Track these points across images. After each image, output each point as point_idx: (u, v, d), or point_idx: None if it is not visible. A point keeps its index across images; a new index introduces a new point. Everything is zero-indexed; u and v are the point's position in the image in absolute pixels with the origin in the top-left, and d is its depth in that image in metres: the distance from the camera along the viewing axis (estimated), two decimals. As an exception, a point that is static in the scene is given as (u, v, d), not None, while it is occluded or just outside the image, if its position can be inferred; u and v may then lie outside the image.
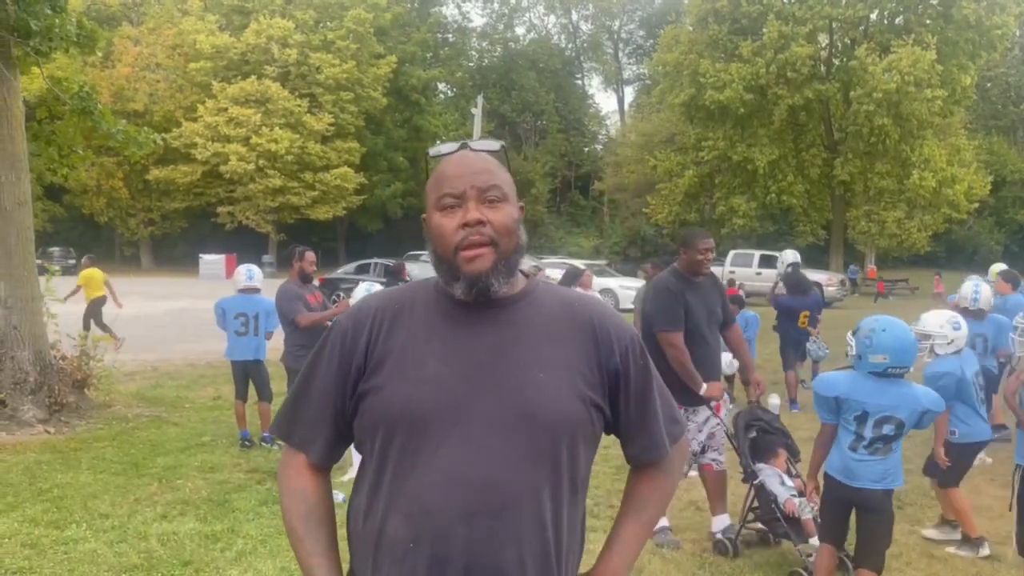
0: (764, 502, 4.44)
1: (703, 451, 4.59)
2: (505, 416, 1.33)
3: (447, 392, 1.34)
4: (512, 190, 1.43)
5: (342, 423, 1.45)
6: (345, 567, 1.46)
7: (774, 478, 4.44)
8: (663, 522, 4.52)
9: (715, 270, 20.66)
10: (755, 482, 4.45)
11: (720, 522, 4.59)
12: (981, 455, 6.51)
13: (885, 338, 3.34)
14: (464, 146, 1.45)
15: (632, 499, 1.57)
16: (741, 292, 12.16)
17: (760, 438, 4.68)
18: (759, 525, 4.55)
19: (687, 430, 1.64)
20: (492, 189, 1.37)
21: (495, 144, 1.49)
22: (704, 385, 4.35)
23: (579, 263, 19.46)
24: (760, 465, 4.53)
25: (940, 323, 4.42)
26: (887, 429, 3.33)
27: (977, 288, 6.53)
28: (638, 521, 1.55)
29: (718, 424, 4.64)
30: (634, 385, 1.46)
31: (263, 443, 6.59)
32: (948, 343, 4.40)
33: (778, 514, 4.31)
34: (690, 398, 4.34)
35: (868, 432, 3.34)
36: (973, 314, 6.45)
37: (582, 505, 1.45)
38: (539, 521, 1.33)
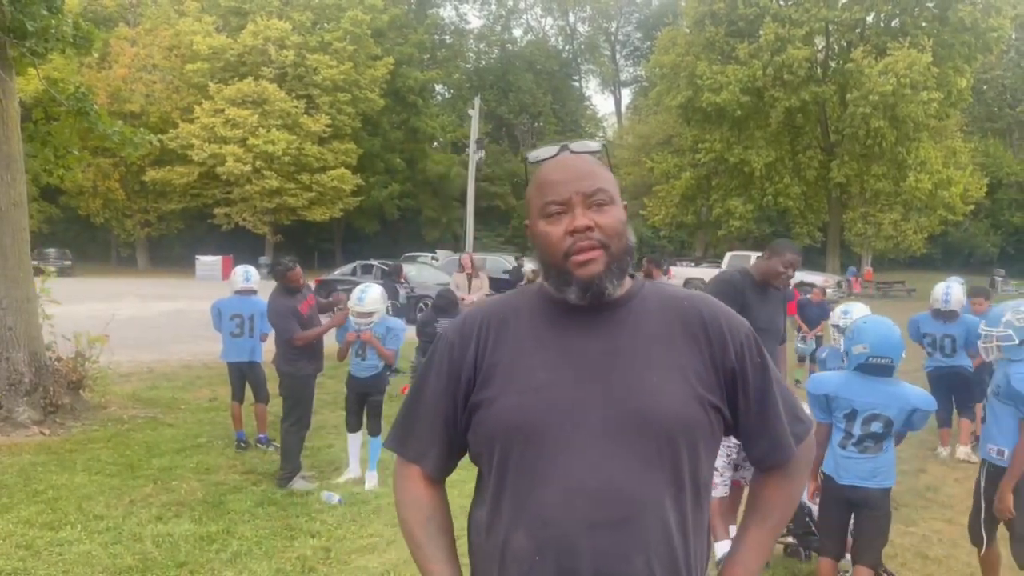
0: (797, 515, 4.17)
1: (736, 467, 4.35)
2: (621, 422, 1.29)
3: (560, 400, 1.31)
4: (616, 190, 1.39)
5: (454, 436, 1.43)
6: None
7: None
8: (724, 547, 4.20)
9: (712, 272, 20.94)
10: None
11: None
12: (967, 449, 6.55)
13: (865, 328, 3.44)
14: (564, 148, 1.42)
15: (756, 504, 1.50)
16: None
17: None
18: (790, 539, 4.35)
19: (810, 429, 1.57)
20: (598, 193, 1.34)
21: (595, 145, 1.45)
22: None
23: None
24: None
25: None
26: (875, 427, 3.35)
27: (948, 289, 6.58)
28: (763, 528, 1.48)
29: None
30: (752, 384, 1.40)
31: (259, 445, 6.58)
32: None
33: (812, 528, 4.10)
34: None
35: (857, 430, 3.37)
36: (944, 315, 6.51)
37: (707, 508, 1.41)
38: (665, 528, 1.29)
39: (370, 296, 5.65)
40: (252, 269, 7.04)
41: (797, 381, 9.83)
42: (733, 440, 4.04)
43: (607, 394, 1.31)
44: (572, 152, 1.41)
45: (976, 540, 3.70)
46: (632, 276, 1.44)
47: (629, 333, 1.36)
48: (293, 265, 5.81)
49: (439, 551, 1.41)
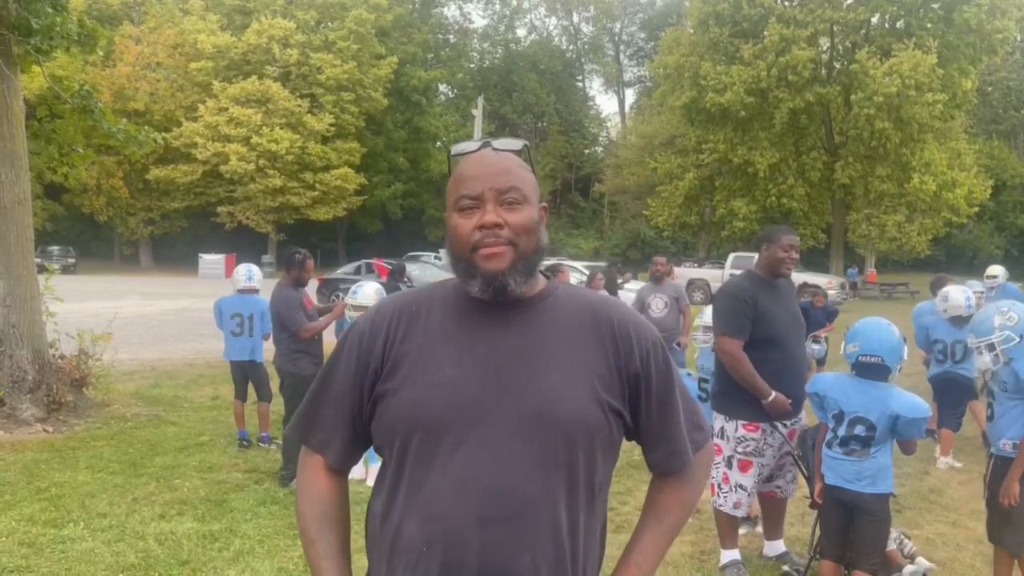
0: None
1: (769, 478, 4.15)
2: (521, 420, 1.31)
3: (463, 395, 1.32)
4: (534, 191, 1.39)
5: (359, 425, 1.43)
6: (362, 574, 1.45)
7: None
8: (733, 555, 4.15)
9: (715, 273, 20.78)
10: None
11: (775, 548, 4.33)
12: (949, 459, 6.48)
13: (859, 328, 3.46)
14: (486, 145, 1.43)
15: (653, 507, 1.53)
16: None
17: None
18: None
19: (711, 438, 1.59)
20: (511, 191, 1.35)
21: (517, 143, 1.46)
22: (772, 394, 3.82)
23: (573, 263, 19.49)
24: None
25: None
26: (859, 430, 3.33)
27: (969, 296, 6.59)
28: (658, 530, 1.51)
29: (789, 451, 4.12)
30: (655, 390, 1.42)
31: (261, 443, 6.58)
32: None
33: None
34: (765, 413, 3.91)
35: (842, 431, 3.38)
36: (965, 320, 6.49)
37: (601, 511, 1.42)
38: (554, 527, 1.31)
39: (364, 291, 5.67)
40: (255, 268, 7.03)
41: None
42: (766, 459, 4.03)
43: (510, 392, 1.32)
44: (494, 149, 1.42)
45: (995, 539, 3.68)
46: (547, 277, 1.46)
47: (538, 333, 1.37)
48: (309, 255, 5.88)
49: (330, 547, 1.41)
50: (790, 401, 3.91)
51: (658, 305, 7.95)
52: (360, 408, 1.42)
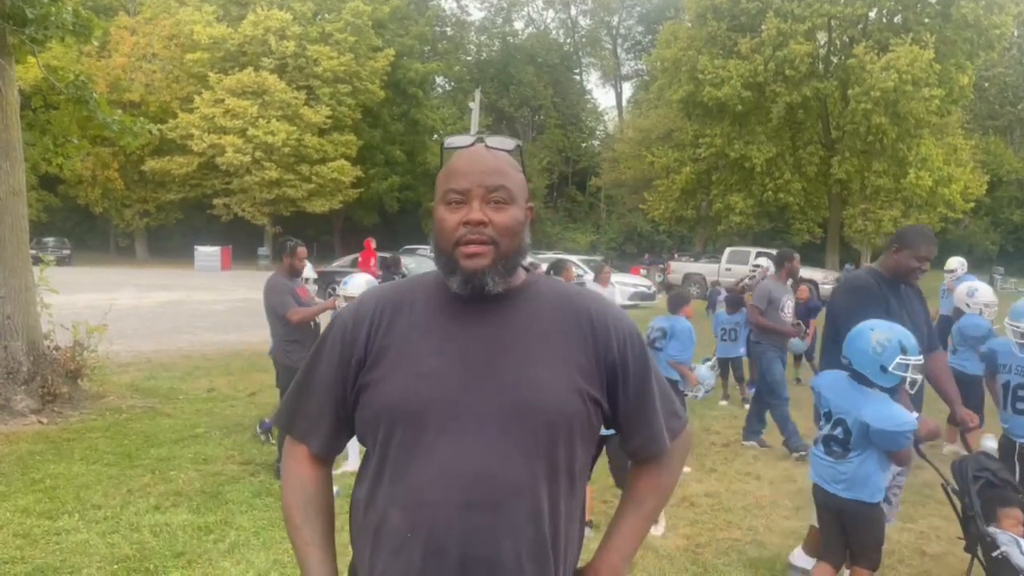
0: None
1: None
2: (502, 410, 1.33)
3: (445, 386, 1.35)
4: (522, 191, 1.42)
5: (343, 415, 1.46)
6: (346, 560, 1.47)
7: (1013, 547, 3.36)
8: (805, 561, 3.86)
9: (711, 267, 20.68)
10: (995, 554, 3.35)
11: (802, 559, 3.98)
12: (955, 447, 6.53)
13: (850, 335, 3.36)
14: (479, 140, 1.44)
15: (631, 493, 1.58)
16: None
17: (986, 492, 3.63)
18: None
19: (689, 423, 1.62)
20: (499, 190, 1.37)
21: (510, 143, 1.47)
22: (913, 415, 3.27)
23: (572, 258, 19.47)
24: (993, 529, 3.46)
25: None
26: (838, 431, 3.31)
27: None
28: (637, 515, 1.55)
29: (902, 474, 3.73)
30: (633, 378, 1.45)
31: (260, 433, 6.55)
32: None
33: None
34: None
35: (826, 429, 3.39)
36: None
37: (580, 496, 1.45)
38: (536, 514, 1.34)
39: (354, 282, 5.66)
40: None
41: (797, 380, 9.82)
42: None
43: (492, 383, 1.35)
44: (487, 146, 1.43)
45: None
46: (527, 270, 1.48)
47: (519, 324, 1.41)
48: (301, 243, 5.85)
49: (315, 534, 1.44)
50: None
51: (790, 307, 6.88)
52: (344, 398, 1.44)
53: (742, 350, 8.57)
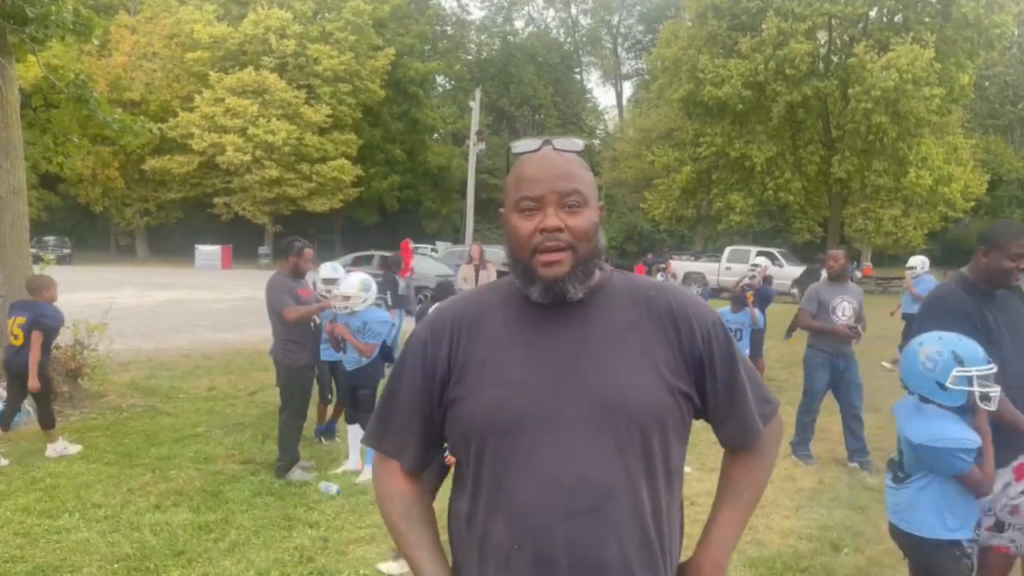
0: None
1: (1000, 528, 3.17)
2: (592, 412, 1.33)
3: (533, 395, 1.34)
4: (593, 192, 1.40)
5: (431, 431, 1.46)
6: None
7: None
8: None
9: (711, 267, 20.52)
10: None
11: None
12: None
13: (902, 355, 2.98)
14: (547, 144, 1.42)
15: (728, 484, 1.56)
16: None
17: None
18: None
19: (776, 409, 1.58)
20: (573, 194, 1.35)
21: (579, 144, 1.44)
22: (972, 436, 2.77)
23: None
24: None
25: None
26: (896, 454, 2.97)
27: None
28: (735, 507, 1.54)
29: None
30: (720, 369, 1.43)
31: (320, 438, 6.59)
32: None
33: None
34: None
35: (896, 455, 3.00)
36: None
37: (678, 492, 1.45)
38: (638, 513, 1.33)
39: (348, 281, 5.62)
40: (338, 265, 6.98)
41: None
42: (997, 488, 3.09)
43: (578, 386, 1.34)
44: (555, 149, 1.41)
45: None
46: (600, 268, 1.46)
47: (599, 325, 1.39)
48: (309, 245, 5.84)
49: (422, 539, 1.44)
50: None
51: (845, 310, 6.24)
52: (431, 414, 1.44)
53: (746, 351, 8.60)
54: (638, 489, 1.33)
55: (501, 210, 1.44)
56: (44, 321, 5.82)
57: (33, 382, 5.72)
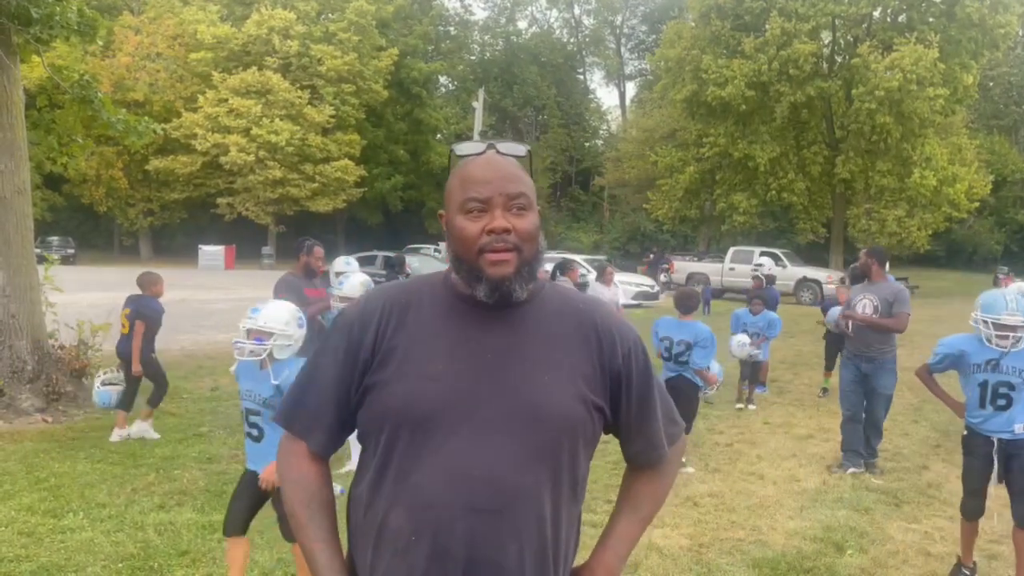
0: None
1: None
2: (510, 415, 1.34)
3: (453, 390, 1.35)
4: (535, 196, 1.43)
5: (345, 414, 1.45)
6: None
7: None
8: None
9: (715, 267, 20.57)
10: None
11: None
12: None
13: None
14: (491, 147, 1.44)
15: (628, 497, 1.59)
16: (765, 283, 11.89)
17: None
18: None
19: (682, 432, 1.64)
20: (520, 197, 1.38)
21: (522, 149, 1.48)
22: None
23: (576, 258, 19.47)
24: None
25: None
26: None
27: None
28: (633, 518, 1.57)
29: None
30: (636, 387, 1.47)
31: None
32: None
33: None
34: None
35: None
36: None
37: (580, 503, 1.47)
38: (539, 518, 1.35)
39: (350, 282, 5.65)
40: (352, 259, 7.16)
41: (824, 390, 9.44)
42: None
43: (499, 389, 1.36)
44: (499, 152, 1.43)
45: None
46: (554, 275, 1.49)
47: (527, 331, 1.41)
48: (319, 243, 5.97)
49: (321, 530, 1.44)
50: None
51: (866, 308, 6.16)
52: (347, 397, 1.43)
53: (766, 356, 8.68)
54: (543, 496, 1.35)
55: (441, 212, 1.46)
56: (146, 312, 6.45)
57: (136, 367, 6.35)
